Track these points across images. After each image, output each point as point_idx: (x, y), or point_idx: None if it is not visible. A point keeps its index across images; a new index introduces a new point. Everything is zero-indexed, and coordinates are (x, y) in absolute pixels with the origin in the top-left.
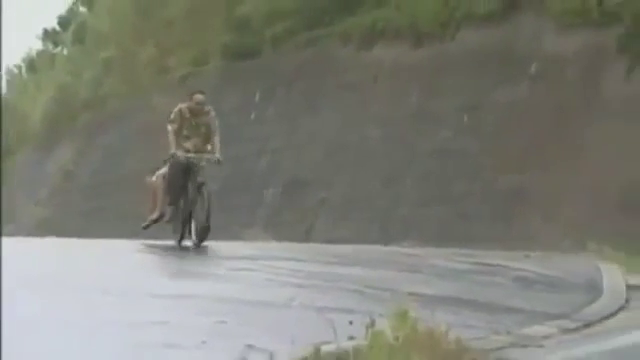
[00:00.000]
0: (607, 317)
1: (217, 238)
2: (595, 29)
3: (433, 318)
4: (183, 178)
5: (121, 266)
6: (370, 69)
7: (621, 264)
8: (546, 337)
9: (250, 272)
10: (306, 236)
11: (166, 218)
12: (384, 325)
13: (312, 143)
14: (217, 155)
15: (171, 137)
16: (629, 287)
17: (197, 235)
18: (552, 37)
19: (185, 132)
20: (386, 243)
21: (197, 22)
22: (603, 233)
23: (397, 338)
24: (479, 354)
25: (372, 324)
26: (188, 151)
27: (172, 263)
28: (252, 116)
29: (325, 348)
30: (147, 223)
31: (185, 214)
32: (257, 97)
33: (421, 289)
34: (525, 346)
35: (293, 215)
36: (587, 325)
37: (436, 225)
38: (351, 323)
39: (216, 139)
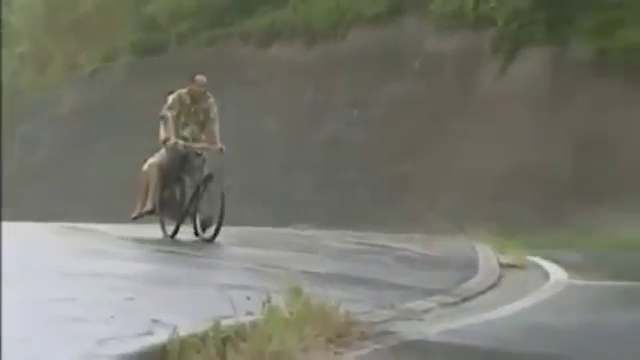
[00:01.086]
0: (482, 292)
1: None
2: (471, 31)
3: (325, 294)
4: (180, 168)
5: (33, 247)
6: (268, 66)
7: (494, 245)
8: (427, 311)
9: (156, 253)
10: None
11: (157, 210)
12: (279, 301)
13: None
14: (219, 144)
15: (170, 125)
16: (501, 266)
17: (202, 227)
18: (433, 38)
19: (183, 119)
20: (283, 226)
21: (106, 20)
22: (478, 217)
23: (291, 313)
24: (366, 326)
25: (268, 300)
26: (185, 139)
27: (87, 243)
28: (159, 109)
29: (225, 322)
30: (138, 214)
31: (183, 207)
32: (164, 91)
33: (314, 268)
34: (408, 319)
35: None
36: (464, 300)
37: (328, 209)
38: (249, 299)
39: (216, 127)
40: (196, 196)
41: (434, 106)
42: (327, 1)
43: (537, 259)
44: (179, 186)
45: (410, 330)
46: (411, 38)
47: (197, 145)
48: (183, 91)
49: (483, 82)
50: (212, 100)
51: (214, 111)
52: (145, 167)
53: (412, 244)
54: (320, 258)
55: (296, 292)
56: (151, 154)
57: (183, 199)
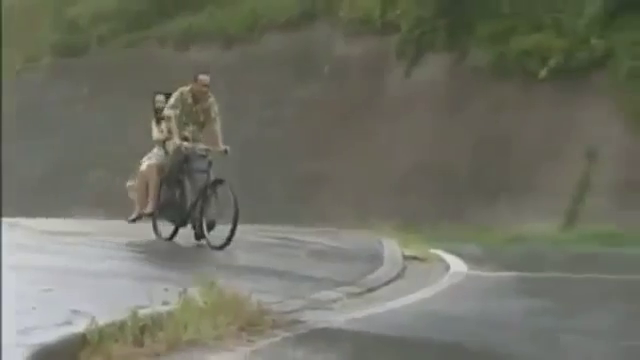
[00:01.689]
0: (387, 283)
1: (50, 215)
2: (378, 37)
3: (239, 285)
4: (180, 170)
5: None
6: (185, 68)
7: (399, 239)
8: (335, 301)
9: (77, 246)
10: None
11: (156, 212)
12: (195, 292)
13: (135, 133)
14: (223, 145)
15: (173, 125)
16: (405, 258)
17: (209, 230)
18: (342, 43)
19: (184, 118)
20: None
21: (30, 21)
22: (385, 212)
23: (206, 303)
24: (277, 315)
25: (184, 291)
26: (186, 140)
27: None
28: (81, 108)
29: (142, 312)
30: (136, 216)
31: (184, 210)
32: (85, 91)
33: (229, 261)
34: (317, 309)
35: (122, 195)
36: (370, 290)
37: (244, 205)
38: (166, 290)
39: (218, 127)
40: (203, 200)
41: (344, 107)
42: (242, 6)
43: (438, 252)
44: (179, 188)
45: (319, 319)
46: (321, 43)
47: (201, 146)
48: (185, 89)
49: (389, 85)
50: (212, 99)
51: (215, 111)
52: (143, 168)
53: (323, 238)
54: (236, 251)
55: (210, 284)
56: (69, 153)
57: (184, 202)
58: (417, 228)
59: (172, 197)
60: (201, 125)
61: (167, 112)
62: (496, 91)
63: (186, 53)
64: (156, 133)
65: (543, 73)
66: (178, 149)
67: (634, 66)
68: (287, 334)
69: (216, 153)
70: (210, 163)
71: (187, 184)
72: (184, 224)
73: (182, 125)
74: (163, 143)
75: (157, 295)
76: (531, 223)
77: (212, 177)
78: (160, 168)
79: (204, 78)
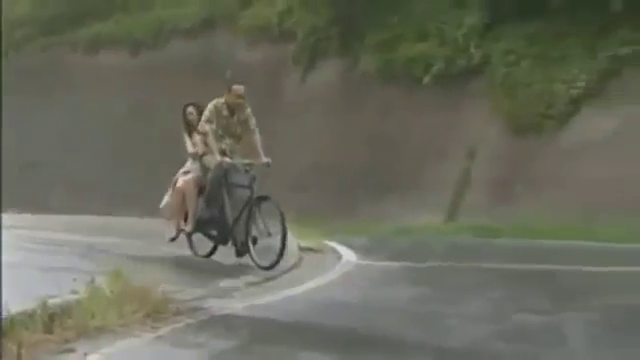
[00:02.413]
0: (284, 272)
1: None
2: (276, 44)
3: (145, 275)
4: (220, 186)
5: None
6: (95, 72)
7: (296, 231)
8: (235, 289)
9: None
10: (43, 208)
11: (193, 229)
12: (102, 281)
13: (47, 131)
14: (265, 158)
15: (211, 140)
16: (301, 249)
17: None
18: (243, 49)
19: (220, 131)
20: (111, 214)
21: None
22: (283, 206)
23: (112, 292)
24: (181, 303)
25: (92, 281)
26: (223, 153)
27: None
28: None
29: (52, 301)
30: (176, 235)
31: (226, 228)
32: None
33: (136, 252)
34: (218, 297)
35: (32, 190)
36: (268, 279)
37: (152, 200)
38: (75, 280)
39: (257, 138)
40: (248, 216)
41: None
42: (148, 14)
43: (332, 244)
44: (219, 204)
45: (220, 306)
46: (223, 49)
47: (244, 161)
48: (220, 101)
49: (287, 89)
50: (249, 110)
51: (253, 122)
52: (180, 184)
53: None
54: (141, 243)
55: (116, 274)
56: None
57: (224, 218)
58: (313, 222)
59: (212, 213)
60: (238, 138)
61: (203, 127)
62: (384, 95)
63: (96, 57)
64: (190, 147)
65: (427, 79)
66: (219, 165)
67: (508, 73)
68: (190, 320)
69: (258, 166)
70: (254, 178)
71: (227, 200)
72: (225, 242)
73: (218, 138)
74: (200, 157)
75: (66, 284)
76: (417, 217)
77: (256, 192)
78: (197, 183)
79: (238, 88)
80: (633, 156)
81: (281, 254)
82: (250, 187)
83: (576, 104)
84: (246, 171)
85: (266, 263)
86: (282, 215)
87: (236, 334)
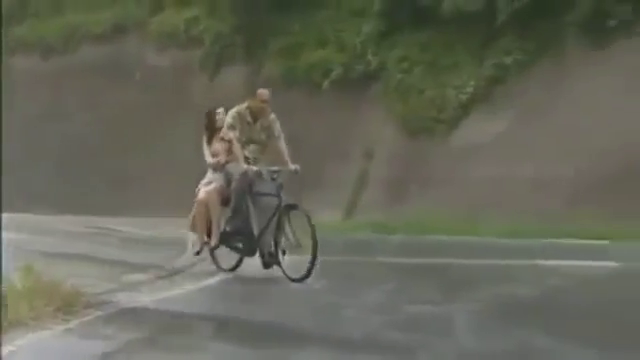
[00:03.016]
0: (190, 267)
1: None
2: (184, 49)
3: (58, 270)
4: (244, 195)
5: None
6: (9, 75)
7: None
8: (144, 283)
9: None
10: None
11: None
12: (14, 277)
13: None
14: (293, 165)
15: (236, 147)
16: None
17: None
18: (153, 54)
19: (244, 138)
20: (23, 212)
21: None
22: (191, 204)
23: (24, 286)
24: (91, 297)
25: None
26: (247, 161)
27: None
28: None
29: None
30: (201, 249)
31: (253, 239)
32: None
33: (49, 248)
34: (127, 290)
35: None
36: (175, 273)
37: (64, 198)
38: None
39: (282, 145)
40: (277, 226)
41: (154, 111)
42: (60, 19)
43: None
44: (245, 215)
45: (129, 299)
46: (133, 53)
47: (272, 168)
48: (243, 107)
49: (194, 92)
50: (274, 116)
51: (278, 128)
52: (202, 195)
53: (136, 227)
54: (55, 240)
55: (27, 269)
56: None
57: (250, 229)
58: None
59: (237, 225)
60: (263, 144)
61: (227, 134)
62: (287, 99)
63: (10, 60)
64: (209, 156)
65: (326, 83)
66: (244, 173)
67: (402, 78)
68: (99, 313)
69: (285, 173)
70: (281, 186)
71: (252, 209)
72: (252, 253)
73: (242, 145)
74: (222, 166)
75: None
76: (318, 214)
77: (284, 201)
78: (220, 193)
79: (263, 92)
80: (516, 158)
81: (312, 265)
82: (278, 195)
83: (465, 109)
84: (273, 179)
85: (296, 275)
86: (313, 226)
87: (144, 326)
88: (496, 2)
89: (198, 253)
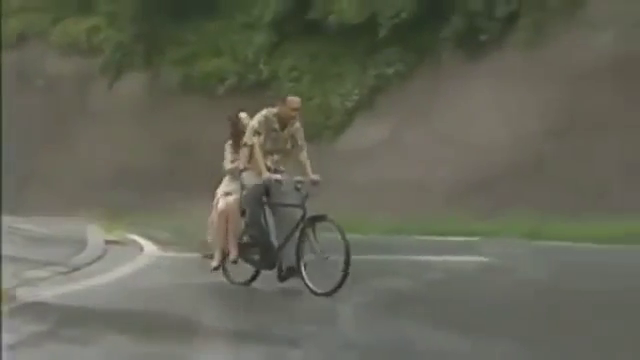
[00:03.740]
0: (90, 263)
1: None
2: (85, 57)
3: None
4: (262, 205)
5: None
6: None
7: (103, 225)
8: (44, 279)
9: None
10: None
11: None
12: None
13: None
14: (314, 175)
15: (258, 154)
16: (107, 242)
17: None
18: (55, 61)
19: (268, 146)
20: None
21: None
22: (92, 203)
23: None
24: None
25: None
26: (269, 170)
27: None
28: None
29: None
30: (218, 264)
31: (272, 252)
32: None
33: None
34: (28, 286)
35: None
36: (75, 269)
37: None
38: None
39: (304, 155)
40: (300, 239)
41: (57, 114)
42: None
43: (136, 237)
44: (263, 226)
45: (29, 294)
46: (35, 60)
47: (297, 178)
48: (271, 112)
49: (95, 97)
50: (299, 125)
51: (301, 137)
52: (222, 206)
53: (37, 226)
54: None
55: None
56: None
57: (269, 241)
58: (119, 217)
59: (255, 236)
60: (287, 154)
61: (250, 139)
62: (184, 105)
63: None
64: (228, 162)
65: (221, 91)
66: (268, 181)
67: (292, 87)
68: (2, 307)
69: (306, 184)
70: (306, 196)
71: (271, 220)
72: (271, 267)
73: (265, 153)
74: (239, 173)
75: None
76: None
77: (309, 212)
78: (240, 204)
79: (294, 100)
80: (398, 161)
81: (344, 279)
82: (302, 206)
83: (350, 115)
84: (297, 189)
85: (323, 289)
86: (346, 240)
87: (45, 320)
88: (378, 17)
89: (217, 268)
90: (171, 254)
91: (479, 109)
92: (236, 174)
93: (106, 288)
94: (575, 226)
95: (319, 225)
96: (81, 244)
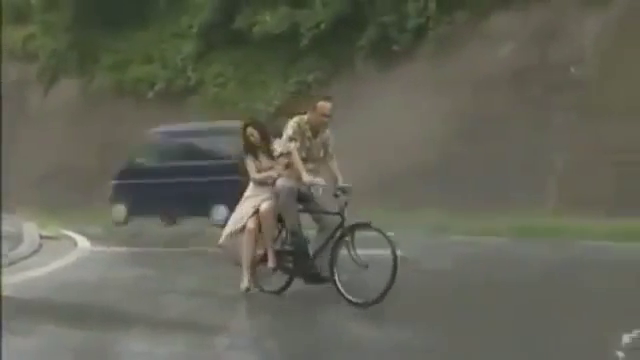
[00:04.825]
0: (26, 258)
1: None
2: (22, 64)
3: None
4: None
5: None
6: None
7: (37, 222)
8: None
9: None
10: None
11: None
12: None
13: None
14: (344, 183)
15: (296, 160)
16: (42, 237)
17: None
18: None
19: (302, 154)
20: None
21: None
22: (28, 200)
23: None
24: None
25: None
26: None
27: None
28: None
29: None
30: (249, 285)
31: (307, 259)
32: None
33: None
34: None
35: None
36: (11, 263)
37: None
38: None
39: (334, 163)
40: (336, 246)
41: None
42: None
43: (70, 232)
44: (299, 233)
45: None
46: None
47: (339, 184)
48: (303, 120)
49: (32, 102)
50: (329, 132)
51: (332, 145)
52: (251, 225)
53: None
54: None
55: None
56: None
57: (305, 249)
58: (54, 214)
59: (293, 243)
60: (320, 162)
61: (287, 147)
62: (116, 108)
63: None
64: (255, 172)
65: (150, 95)
66: (310, 184)
67: (218, 92)
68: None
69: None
70: (346, 204)
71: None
72: (306, 275)
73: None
74: (273, 182)
75: None
76: None
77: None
78: (275, 212)
79: (325, 105)
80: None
81: (388, 289)
82: (340, 214)
83: (274, 120)
84: (336, 196)
85: (362, 299)
86: (390, 241)
87: None
88: (299, 28)
89: (248, 290)
90: (103, 249)
91: (391, 114)
92: (269, 183)
93: (41, 281)
94: (479, 222)
95: (359, 233)
96: (17, 239)
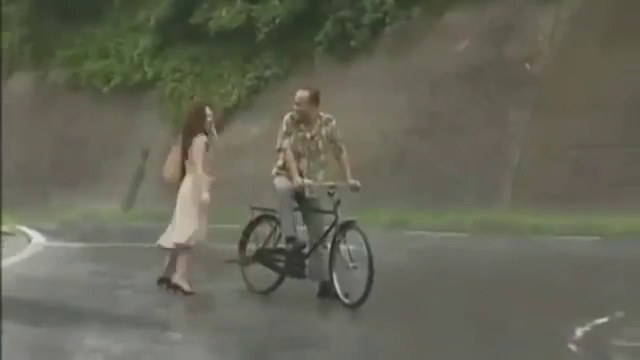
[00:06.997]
0: None
1: None
2: None
3: None
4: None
5: None
6: None
7: None
8: None
9: None
10: None
11: (247, 260)
12: None
13: None
14: (352, 180)
15: (290, 158)
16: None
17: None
18: None
19: (299, 148)
20: None
21: None
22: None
23: None
24: None
25: None
26: (300, 174)
27: None
28: None
29: None
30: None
31: (302, 259)
32: None
33: None
34: None
35: None
36: None
37: None
38: None
39: (343, 157)
40: (333, 246)
41: None
42: None
43: (25, 228)
44: (294, 232)
45: None
46: None
47: (328, 183)
48: (295, 113)
49: None
50: (334, 124)
51: (339, 137)
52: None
53: None
54: None
55: None
56: None
57: (300, 250)
58: (9, 210)
59: (288, 241)
60: (318, 156)
61: (281, 144)
62: (71, 103)
63: None
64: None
65: (106, 89)
66: (301, 187)
67: (175, 87)
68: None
69: (343, 189)
70: (339, 202)
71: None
72: (298, 274)
73: (297, 156)
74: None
75: None
76: (100, 205)
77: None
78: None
79: (297, 94)
80: (271, 158)
81: (368, 289)
82: (334, 212)
83: (230, 114)
84: (329, 194)
85: (351, 300)
86: (366, 241)
87: None
88: (256, 22)
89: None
90: (57, 244)
91: (349, 109)
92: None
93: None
94: (435, 217)
95: (349, 232)
96: None
